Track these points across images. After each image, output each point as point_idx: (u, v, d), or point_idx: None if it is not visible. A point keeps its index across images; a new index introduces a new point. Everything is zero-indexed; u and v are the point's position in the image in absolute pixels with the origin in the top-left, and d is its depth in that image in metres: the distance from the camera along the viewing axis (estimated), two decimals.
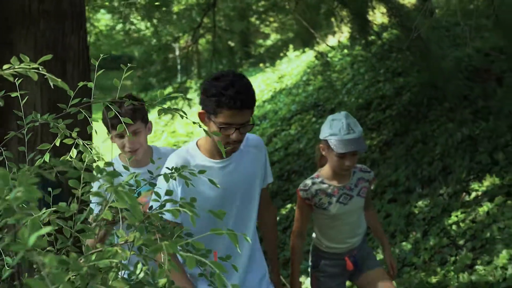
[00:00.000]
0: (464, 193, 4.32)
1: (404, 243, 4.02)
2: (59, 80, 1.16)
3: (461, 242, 3.74)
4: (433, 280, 3.33)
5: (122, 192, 0.91)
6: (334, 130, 2.29)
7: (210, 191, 2.00)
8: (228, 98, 1.82)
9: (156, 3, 6.25)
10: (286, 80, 11.76)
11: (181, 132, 11.62)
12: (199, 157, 2.03)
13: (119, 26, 13.27)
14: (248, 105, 1.88)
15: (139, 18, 11.13)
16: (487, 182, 4.24)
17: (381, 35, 7.31)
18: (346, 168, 2.33)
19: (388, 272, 2.58)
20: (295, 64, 12.76)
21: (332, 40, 11.19)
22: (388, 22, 6.75)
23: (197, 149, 2.05)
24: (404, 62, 7.50)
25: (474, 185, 4.30)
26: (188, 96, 9.02)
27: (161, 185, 1.88)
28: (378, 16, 6.62)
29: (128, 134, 1.91)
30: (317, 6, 6.66)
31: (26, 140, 1.36)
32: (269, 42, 18.36)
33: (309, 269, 2.70)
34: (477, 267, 3.34)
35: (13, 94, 1.32)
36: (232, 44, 13.70)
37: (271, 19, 13.27)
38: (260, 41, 19.10)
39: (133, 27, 13.54)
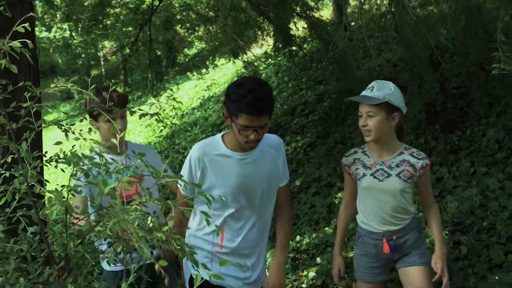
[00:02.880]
0: None
1: (326, 228, 4.65)
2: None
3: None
4: (350, 255, 3.96)
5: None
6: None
7: (231, 179, 2.19)
8: (246, 105, 1.99)
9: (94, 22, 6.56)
10: (214, 88, 12.26)
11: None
12: (222, 147, 2.20)
13: (43, 34, 13.22)
14: (264, 111, 2.02)
15: (65, 26, 11.22)
16: None
17: (303, 47, 7.98)
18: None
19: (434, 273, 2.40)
20: (222, 73, 13.28)
21: (257, 50, 11.82)
22: (308, 35, 7.38)
23: (221, 141, 2.22)
24: (324, 71, 8.17)
25: None
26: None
27: (183, 168, 2.24)
28: (300, 30, 7.25)
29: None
30: (245, 22, 7.21)
31: None
32: (194, 51, 18.77)
33: None
34: None
35: None
36: (158, 52, 13.99)
37: (197, 28, 13.67)
38: (186, 50, 19.45)
39: (57, 35, 13.52)
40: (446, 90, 5.68)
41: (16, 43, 1.33)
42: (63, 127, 1.61)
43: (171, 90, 9.07)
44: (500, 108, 5.11)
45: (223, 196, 2.18)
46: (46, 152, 1.67)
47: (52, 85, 1.54)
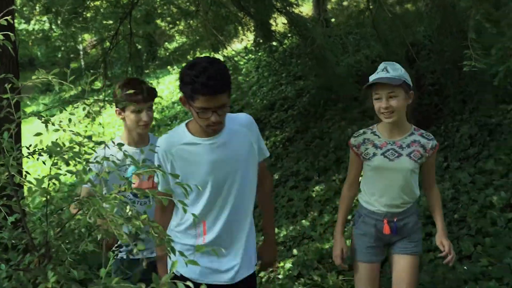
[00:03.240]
0: None
1: (303, 221, 4.74)
2: None
3: (349, 217, 4.52)
4: (326, 246, 4.05)
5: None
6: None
7: (202, 166, 2.08)
8: (201, 85, 1.90)
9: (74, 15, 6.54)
10: None
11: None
12: (187, 136, 2.10)
13: (21, 26, 13.07)
14: (221, 90, 1.93)
15: (44, 19, 11.10)
16: None
17: (283, 42, 8.05)
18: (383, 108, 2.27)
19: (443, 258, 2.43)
20: None
21: (238, 45, 11.87)
22: (288, 31, 7.45)
23: (185, 130, 2.12)
24: (304, 67, 8.25)
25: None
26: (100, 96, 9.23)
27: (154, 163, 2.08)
28: (280, 25, 7.32)
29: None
30: (226, 17, 7.25)
31: None
32: (175, 45, 18.69)
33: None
34: None
35: None
36: (139, 46, 13.92)
37: (177, 22, 13.63)
38: (166, 44, 19.35)
39: (36, 27, 13.37)
40: (422, 87, 5.80)
41: None
42: (43, 119, 1.65)
43: (151, 84, 9.05)
44: (473, 104, 5.25)
45: (197, 185, 2.05)
46: (30, 145, 1.71)
47: (33, 77, 1.59)
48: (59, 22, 6.80)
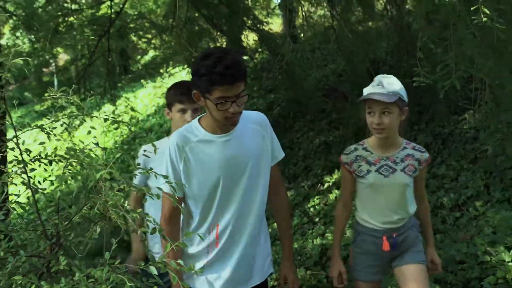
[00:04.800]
0: (319, 184, 5.58)
1: (274, 224, 5.10)
2: None
3: (317, 219, 4.92)
4: (296, 245, 4.43)
5: None
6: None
7: (215, 164, 2.01)
8: (218, 75, 1.83)
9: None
10: None
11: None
12: (201, 132, 2.03)
13: None
14: (239, 78, 1.87)
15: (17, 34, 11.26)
16: (336, 175, 5.51)
17: (254, 57, 8.40)
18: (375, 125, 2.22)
19: (429, 270, 2.45)
20: (177, 81, 13.55)
21: None
22: (259, 47, 7.83)
23: (199, 126, 2.05)
24: (274, 81, 8.61)
25: (327, 178, 5.56)
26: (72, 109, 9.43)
27: (164, 160, 2.05)
28: (251, 41, 7.67)
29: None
30: (199, 33, 7.60)
31: None
32: (148, 58, 18.86)
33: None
34: (326, 235, 4.52)
35: None
36: (111, 60, 14.08)
37: (149, 36, 13.82)
38: (139, 57, 19.49)
39: (9, 42, 13.48)
40: None
41: None
42: (45, 130, 1.98)
43: (128, 99, 9.33)
44: (428, 116, 5.72)
45: (209, 185, 2.03)
46: (40, 153, 2.03)
47: (46, 94, 1.94)
48: (40, 40, 7.04)
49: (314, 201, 5.23)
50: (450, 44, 3.61)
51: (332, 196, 5.15)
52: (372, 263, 2.42)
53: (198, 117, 2.12)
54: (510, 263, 3.16)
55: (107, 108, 9.78)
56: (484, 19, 3.01)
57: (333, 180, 5.47)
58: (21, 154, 1.85)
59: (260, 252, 2.21)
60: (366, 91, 2.27)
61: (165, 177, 1.79)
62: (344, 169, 2.40)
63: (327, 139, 6.44)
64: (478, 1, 3.06)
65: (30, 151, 1.92)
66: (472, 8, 3.03)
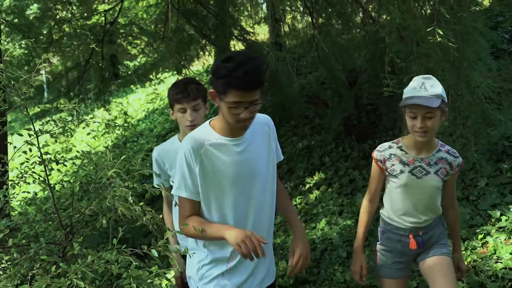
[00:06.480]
0: (301, 185, 6.00)
1: None
2: None
3: (298, 217, 5.31)
4: (278, 241, 4.82)
5: None
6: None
7: (228, 168, 2.01)
8: (236, 80, 1.82)
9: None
10: (159, 101, 12.89)
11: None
12: (214, 136, 2.02)
13: None
14: (256, 86, 1.87)
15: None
16: (316, 177, 5.94)
17: None
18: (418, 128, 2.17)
19: (455, 268, 2.42)
20: (165, 86, 13.89)
21: (199, 67, 12.55)
22: None
23: (211, 129, 2.04)
24: None
25: (308, 180, 5.99)
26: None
27: (178, 166, 2.05)
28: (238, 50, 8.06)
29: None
30: (188, 42, 7.96)
31: None
32: (137, 63, 19.09)
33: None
34: (306, 231, 4.92)
35: None
36: (101, 65, 14.32)
37: (138, 41, 14.07)
38: (129, 62, 19.72)
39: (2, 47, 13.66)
40: (360, 107, 6.70)
41: None
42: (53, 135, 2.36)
43: (121, 104, 9.64)
44: (402, 122, 6.14)
45: (224, 191, 2.03)
46: (56, 154, 2.40)
47: (61, 106, 2.32)
48: (37, 49, 7.35)
49: (296, 201, 5.63)
50: (414, 59, 4.05)
51: (312, 196, 5.57)
52: (397, 260, 2.43)
53: (208, 120, 2.12)
54: (463, 252, 3.58)
55: (99, 113, 10.10)
56: (439, 39, 3.44)
57: (314, 181, 5.88)
58: (41, 155, 2.16)
59: (270, 252, 2.23)
60: (408, 93, 2.22)
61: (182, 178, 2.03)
62: (376, 165, 2.38)
63: (310, 143, 6.85)
64: (436, 22, 3.51)
65: (49, 154, 2.29)
66: (428, 30, 3.47)
